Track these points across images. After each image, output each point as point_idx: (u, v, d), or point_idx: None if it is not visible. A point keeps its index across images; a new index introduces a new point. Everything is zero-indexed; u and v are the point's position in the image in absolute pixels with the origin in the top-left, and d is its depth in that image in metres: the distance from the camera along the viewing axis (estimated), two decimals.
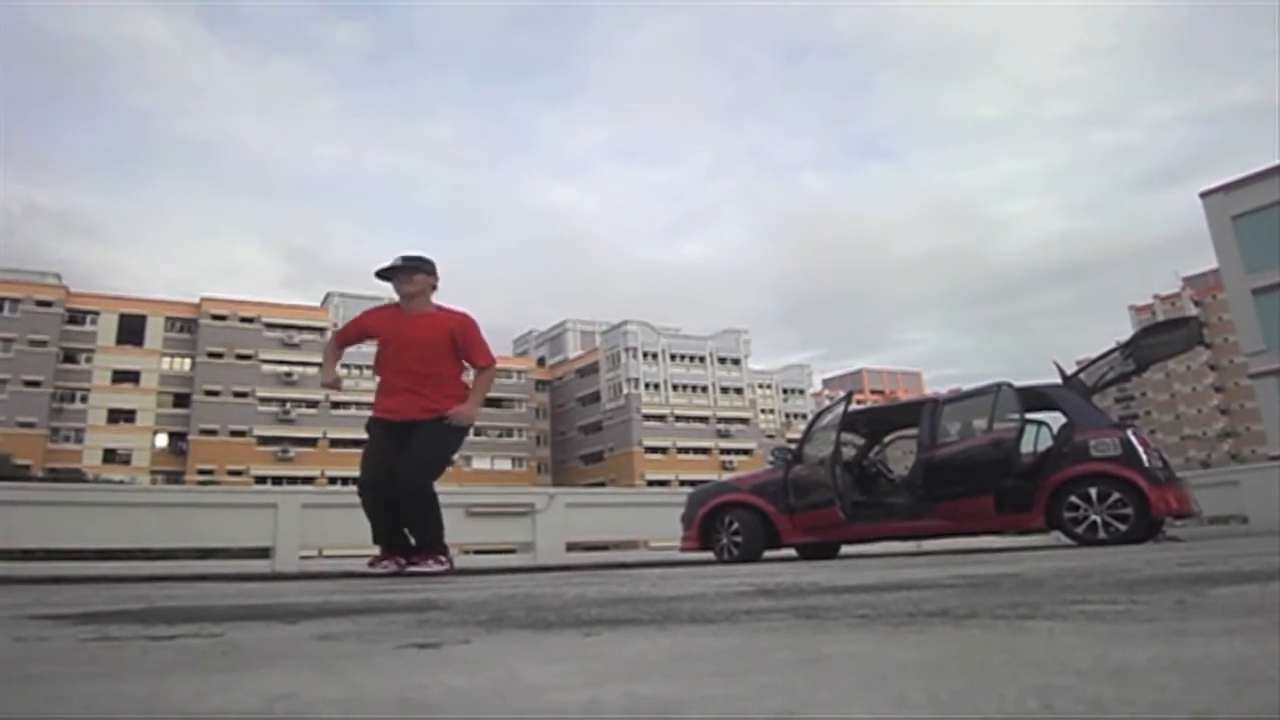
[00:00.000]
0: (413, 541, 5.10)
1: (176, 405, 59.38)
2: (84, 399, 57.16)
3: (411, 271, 5.28)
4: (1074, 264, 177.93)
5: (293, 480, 53.11)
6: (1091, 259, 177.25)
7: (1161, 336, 7.51)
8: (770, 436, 69.62)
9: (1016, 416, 6.67)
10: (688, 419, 70.79)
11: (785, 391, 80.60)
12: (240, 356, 60.59)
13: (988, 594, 1.91)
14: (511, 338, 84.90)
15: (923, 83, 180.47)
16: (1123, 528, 6.20)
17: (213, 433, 58.53)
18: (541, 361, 78.80)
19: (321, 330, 63.40)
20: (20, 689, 0.92)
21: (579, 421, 73.80)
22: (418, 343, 5.20)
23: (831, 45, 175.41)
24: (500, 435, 69.78)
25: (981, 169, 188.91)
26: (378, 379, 5.32)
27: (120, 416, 57.78)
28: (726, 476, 11.06)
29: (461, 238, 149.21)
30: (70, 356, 57.22)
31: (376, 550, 5.21)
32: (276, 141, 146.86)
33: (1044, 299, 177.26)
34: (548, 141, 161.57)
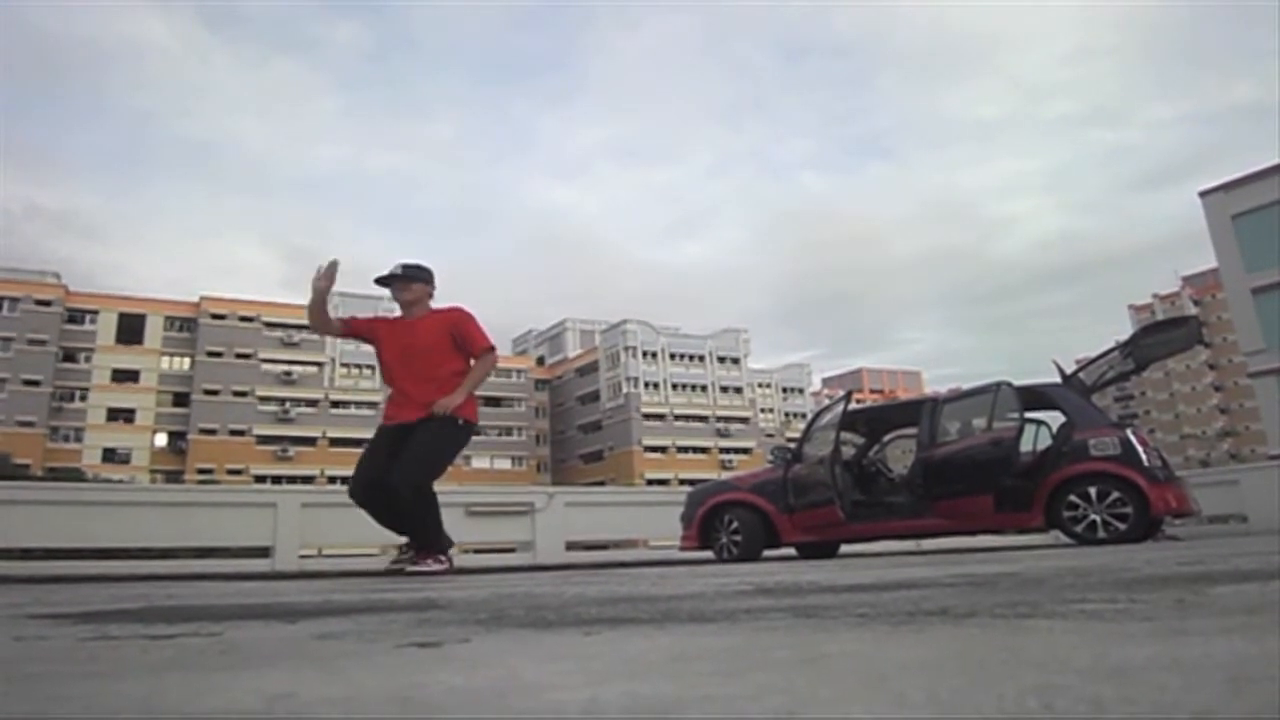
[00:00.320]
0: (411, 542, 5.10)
1: (176, 404, 59.39)
2: (83, 398, 57.16)
3: (409, 280, 5.30)
4: (1074, 263, 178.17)
5: (292, 479, 53.15)
6: (1091, 258, 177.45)
7: (1161, 336, 7.51)
8: (770, 436, 69.62)
9: (1016, 416, 6.67)
10: (687, 418, 70.81)
11: (785, 391, 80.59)
12: (240, 356, 60.58)
13: (987, 593, 1.91)
14: (511, 337, 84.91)
15: (923, 83, 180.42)
16: (1122, 527, 6.20)
17: (212, 432, 58.53)
18: (541, 360, 78.82)
19: None
20: (20, 688, 0.92)
21: (578, 420, 73.81)
22: (423, 348, 5.21)
23: (831, 45, 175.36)
24: (500, 434, 69.80)
25: (981, 169, 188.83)
26: (389, 390, 5.37)
27: (119, 416, 57.78)
28: (726, 476, 11.05)
29: (461, 238, 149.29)
30: (69, 356, 57.21)
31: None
32: (276, 141, 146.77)
33: (1044, 298, 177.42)
34: (548, 141, 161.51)
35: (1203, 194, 33.11)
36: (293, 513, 7.59)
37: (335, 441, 60.62)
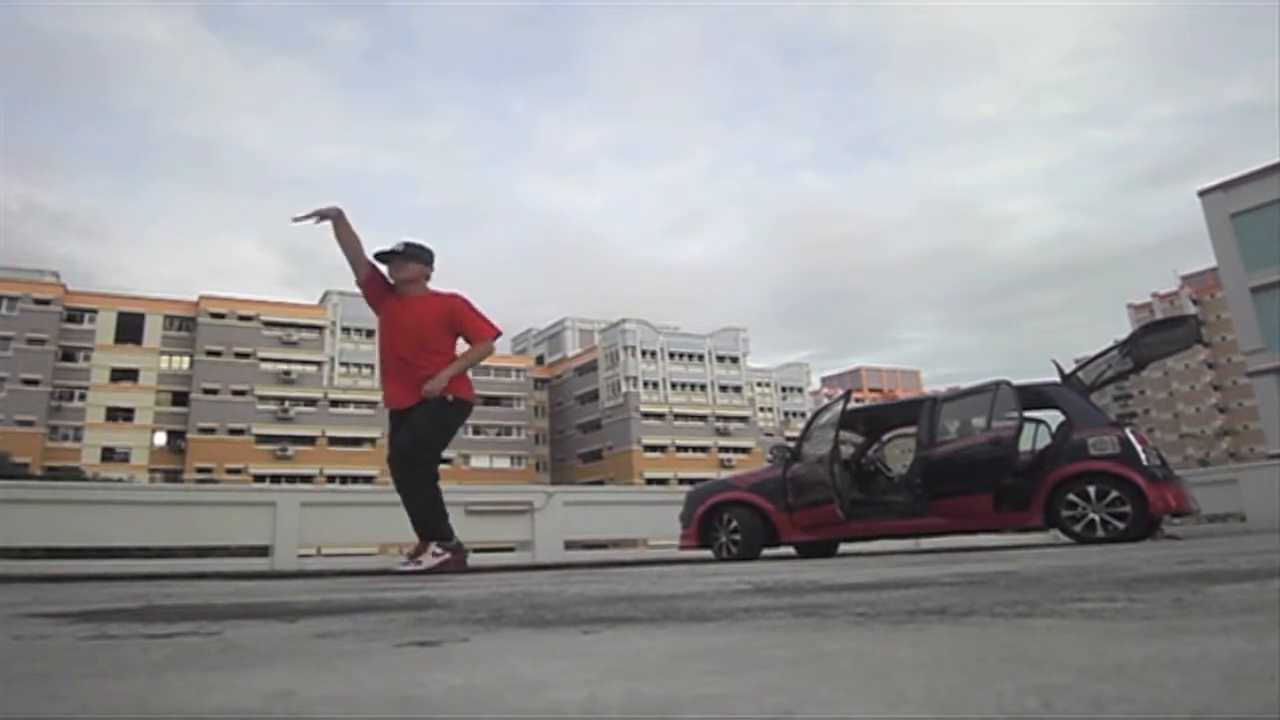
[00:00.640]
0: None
1: (175, 403, 59.36)
2: (82, 397, 57.11)
3: (407, 259, 5.28)
4: (1073, 263, 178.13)
5: (291, 479, 53.13)
6: (1090, 258, 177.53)
7: (1160, 335, 7.51)
8: (769, 435, 69.61)
9: (1015, 415, 6.68)
10: (686, 417, 70.80)
11: (784, 390, 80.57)
12: (239, 355, 60.54)
13: (986, 592, 1.91)
14: (511, 336, 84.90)
15: (922, 82, 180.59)
16: (1121, 526, 6.21)
17: (211, 431, 58.49)
18: (540, 360, 78.81)
19: (320, 328, 63.36)
20: (19, 687, 0.92)
21: (578, 420, 73.80)
22: (412, 326, 5.19)
23: (831, 45, 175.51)
24: (499, 433, 69.80)
25: (981, 169, 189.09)
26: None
27: (119, 415, 57.75)
28: (725, 475, 11.06)
29: (461, 237, 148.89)
30: (69, 355, 57.17)
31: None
32: (276, 141, 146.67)
33: (1043, 298, 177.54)
34: (548, 141, 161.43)
35: (1202, 193, 33.12)
36: (292, 512, 7.59)
37: (334, 440, 60.64)
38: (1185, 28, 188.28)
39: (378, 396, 55.23)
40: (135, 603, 2.55)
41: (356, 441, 60.61)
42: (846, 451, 8.03)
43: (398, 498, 5.11)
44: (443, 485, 5.23)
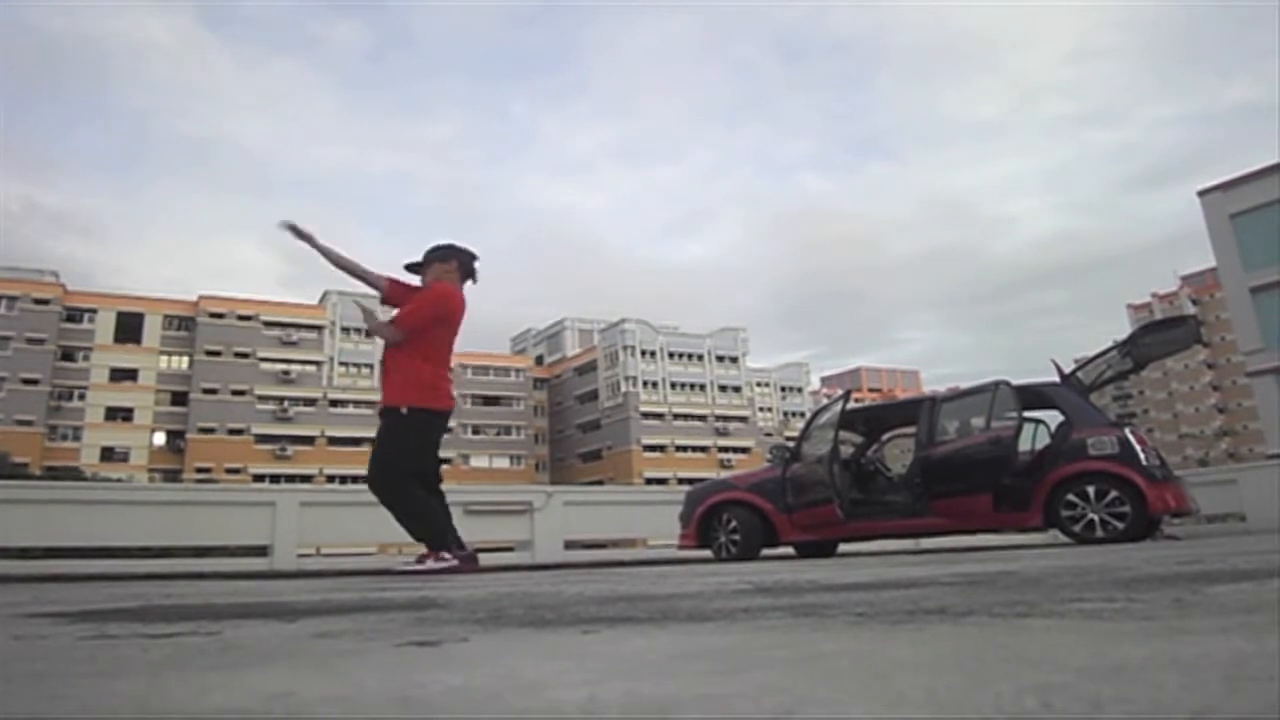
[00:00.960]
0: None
1: (174, 403, 59.33)
2: (82, 397, 57.09)
3: (428, 263, 5.27)
4: (1073, 263, 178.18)
5: (290, 478, 53.11)
6: (1090, 258, 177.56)
7: (1159, 335, 7.52)
8: (768, 435, 69.58)
9: (1014, 415, 6.67)
10: (686, 417, 70.79)
11: (783, 390, 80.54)
12: (238, 355, 60.52)
13: (985, 592, 1.91)
14: (510, 336, 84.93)
15: (923, 82, 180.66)
16: (1120, 526, 6.21)
17: (211, 431, 58.47)
18: (540, 359, 78.79)
19: (319, 328, 63.34)
20: (18, 687, 0.92)
21: (577, 419, 73.78)
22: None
23: (831, 45, 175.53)
24: (498, 433, 69.79)
25: (981, 169, 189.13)
26: None
27: (118, 414, 57.72)
28: (724, 475, 11.06)
29: (461, 237, 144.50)
30: (68, 354, 57.15)
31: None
32: (276, 141, 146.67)
33: (1042, 298, 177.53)
34: (547, 141, 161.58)
35: (1201, 193, 33.11)
36: (291, 512, 7.59)
37: (333, 440, 60.60)
38: (1186, 28, 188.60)
39: (377, 396, 54.80)
40: (134, 602, 2.55)
41: (356, 441, 60.54)
42: (846, 451, 8.02)
43: None
44: (442, 485, 5.22)
